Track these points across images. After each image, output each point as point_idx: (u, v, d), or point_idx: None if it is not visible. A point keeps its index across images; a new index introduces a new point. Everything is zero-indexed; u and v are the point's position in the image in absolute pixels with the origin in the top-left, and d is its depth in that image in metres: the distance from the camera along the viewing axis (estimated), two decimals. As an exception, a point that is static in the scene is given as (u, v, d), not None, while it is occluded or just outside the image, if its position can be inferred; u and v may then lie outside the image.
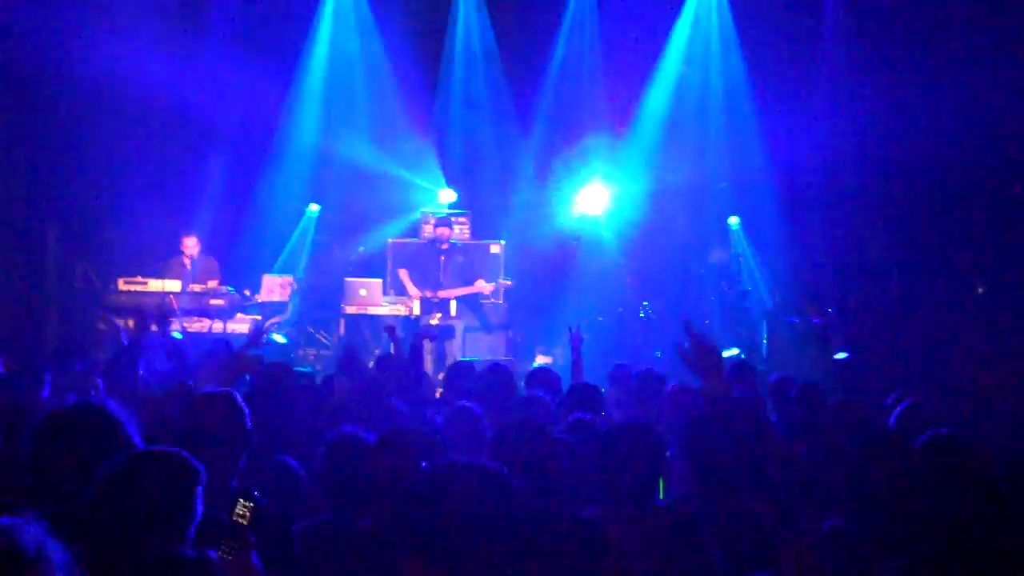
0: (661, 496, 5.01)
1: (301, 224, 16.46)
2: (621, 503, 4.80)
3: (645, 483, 4.83)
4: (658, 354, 14.24)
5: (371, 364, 12.79)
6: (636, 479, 4.80)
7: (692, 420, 5.10)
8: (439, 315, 14.18)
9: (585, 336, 9.60)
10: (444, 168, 16.95)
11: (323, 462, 5.21)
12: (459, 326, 14.31)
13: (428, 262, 14.49)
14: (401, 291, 14.81)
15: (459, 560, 3.26)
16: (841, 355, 14.10)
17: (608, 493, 4.86)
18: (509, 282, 14.97)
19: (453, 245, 14.65)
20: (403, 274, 14.59)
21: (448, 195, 15.64)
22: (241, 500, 3.93)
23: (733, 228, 16.55)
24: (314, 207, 16.57)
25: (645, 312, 15.13)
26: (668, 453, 5.22)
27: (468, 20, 17.29)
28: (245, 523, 3.91)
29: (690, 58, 17.05)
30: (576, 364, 9.22)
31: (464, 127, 17.22)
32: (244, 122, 16.05)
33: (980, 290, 14.81)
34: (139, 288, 14.11)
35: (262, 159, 16.38)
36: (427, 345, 13.84)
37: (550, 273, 16.35)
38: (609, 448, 4.91)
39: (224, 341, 10.79)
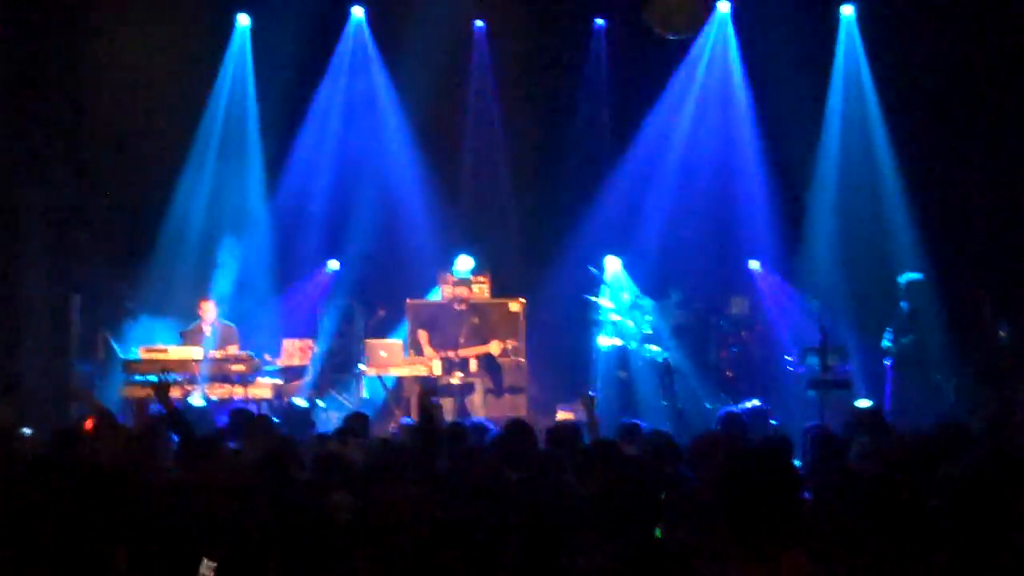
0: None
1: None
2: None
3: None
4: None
5: (392, 427, 12.89)
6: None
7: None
8: (460, 374, 14.20)
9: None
10: (464, 225, 17.04)
11: None
12: (479, 384, 14.31)
13: (446, 322, 14.52)
14: (420, 352, 14.83)
15: None
16: (865, 403, 14.02)
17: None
18: (514, 342, 14.96)
19: (470, 305, 14.67)
20: (421, 335, 14.62)
21: (466, 262, 15.65)
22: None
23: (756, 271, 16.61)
24: (334, 264, 16.66)
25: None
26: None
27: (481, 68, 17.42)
28: None
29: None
30: (591, 423, 9.18)
31: (485, 183, 17.32)
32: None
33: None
34: (160, 356, 14.18)
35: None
36: (448, 404, 13.87)
37: (572, 329, 16.35)
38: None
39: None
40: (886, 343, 14.64)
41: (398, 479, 6.32)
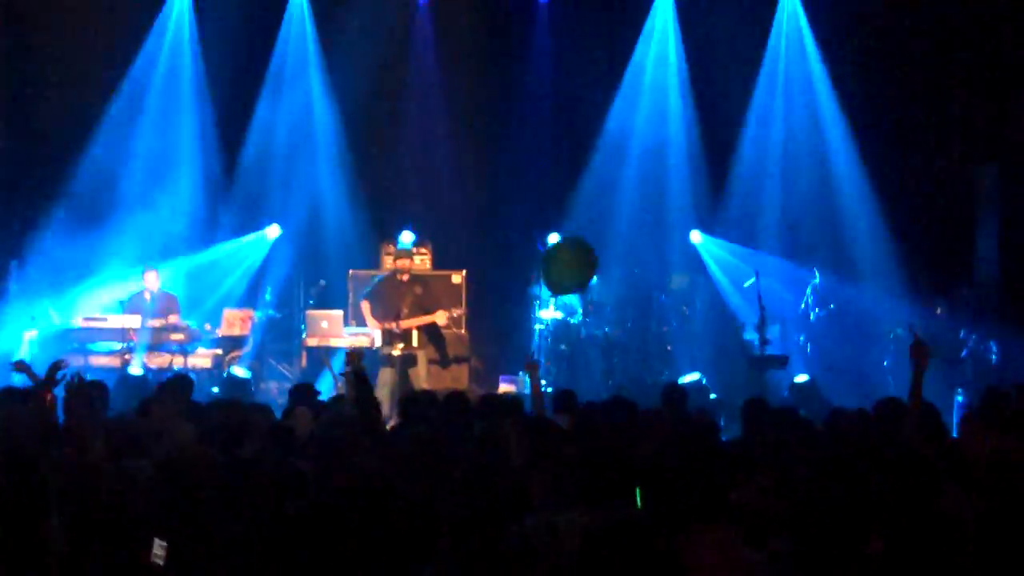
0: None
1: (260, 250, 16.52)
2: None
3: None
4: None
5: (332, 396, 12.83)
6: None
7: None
8: (401, 345, 14.15)
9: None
10: (406, 197, 17.01)
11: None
12: (422, 356, 14.29)
13: (388, 294, 14.47)
14: (363, 322, 14.78)
15: None
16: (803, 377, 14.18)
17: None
18: (461, 311, 14.96)
19: (413, 276, 14.63)
20: (364, 306, 14.56)
21: (408, 236, 15.67)
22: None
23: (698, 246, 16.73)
24: (275, 230, 16.55)
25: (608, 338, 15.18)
26: None
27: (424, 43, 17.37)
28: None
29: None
30: (535, 392, 9.12)
31: (426, 156, 17.28)
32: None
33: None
34: (99, 325, 14.09)
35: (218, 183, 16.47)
36: (389, 376, 13.84)
37: (513, 301, 16.39)
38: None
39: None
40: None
41: (348, 450, 6.31)
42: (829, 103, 16.54)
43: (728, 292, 16.33)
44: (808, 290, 15.49)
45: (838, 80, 16.43)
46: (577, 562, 4.15)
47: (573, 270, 13.72)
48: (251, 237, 16.55)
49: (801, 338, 15.38)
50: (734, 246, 16.54)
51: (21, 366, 9.52)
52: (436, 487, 5.45)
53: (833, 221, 16.29)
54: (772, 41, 16.86)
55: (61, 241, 15.28)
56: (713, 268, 16.61)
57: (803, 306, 15.46)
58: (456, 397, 8.75)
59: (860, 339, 15.26)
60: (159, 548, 4.00)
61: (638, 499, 5.04)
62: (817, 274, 15.51)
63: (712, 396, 14.09)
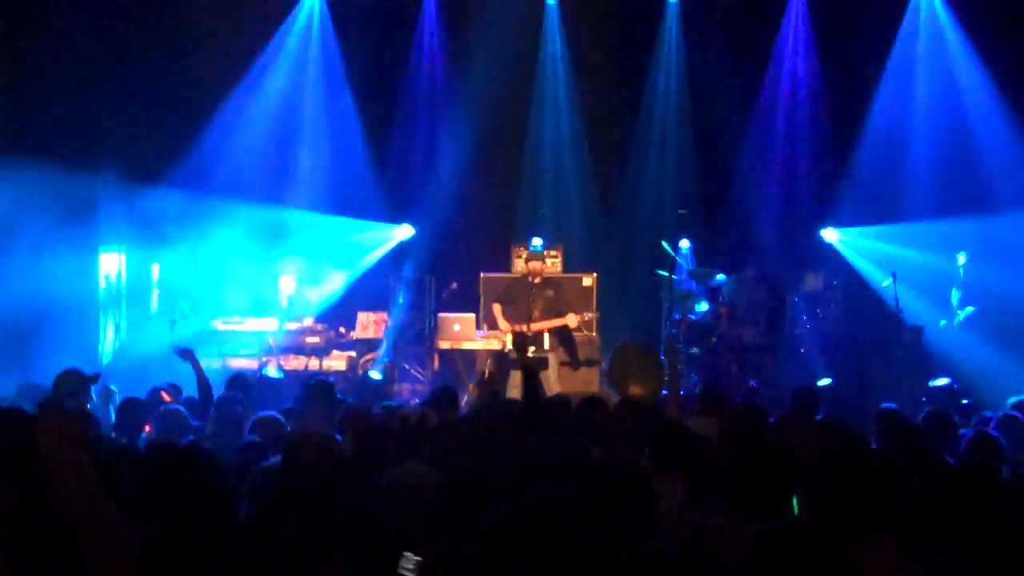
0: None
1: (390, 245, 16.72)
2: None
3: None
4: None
5: (466, 400, 12.93)
6: None
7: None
8: (532, 348, 14.16)
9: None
10: (537, 199, 17.06)
11: None
12: (553, 359, 14.29)
13: (520, 297, 14.50)
14: (494, 325, 14.84)
15: None
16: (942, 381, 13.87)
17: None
18: (592, 315, 14.91)
19: (545, 278, 14.65)
20: (496, 309, 14.61)
21: (537, 242, 15.68)
22: None
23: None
24: (406, 230, 16.74)
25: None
26: None
27: (553, 45, 17.38)
28: None
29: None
30: (672, 391, 9.01)
31: (556, 158, 17.31)
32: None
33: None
34: (236, 327, 14.36)
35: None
36: (514, 378, 13.85)
37: (644, 304, 16.32)
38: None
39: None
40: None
41: (484, 453, 6.26)
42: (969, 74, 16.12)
43: (868, 292, 16.01)
44: (954, 298, 15.07)
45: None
46: (746, 568, 4.09)
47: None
48: (385, 233, 16.75)
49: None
50: (874, 230, 16.23)
51: (187, 354, 9.67)
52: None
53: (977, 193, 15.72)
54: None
55: (195, 241, 15.56)
56: (855, 266, 16.31)
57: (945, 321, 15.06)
58: (593, 401, 8.69)
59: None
60: (409, 562, 4.05)
61: (795, 507, 4.97)
62: (963, 258, 15.01)
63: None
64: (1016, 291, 14.49)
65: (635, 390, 12.08)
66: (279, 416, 7.77)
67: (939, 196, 15.66)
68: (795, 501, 5.02)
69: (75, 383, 8.52)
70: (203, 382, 9.30)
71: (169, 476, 4.43)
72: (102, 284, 15.08)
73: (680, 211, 16.08)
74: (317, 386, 9.34)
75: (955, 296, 15.07)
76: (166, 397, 8.54)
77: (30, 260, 13.32)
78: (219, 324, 14.50)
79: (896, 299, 14.48)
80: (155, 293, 15.65)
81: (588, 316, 14.75)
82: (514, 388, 13.53)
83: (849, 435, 7.40)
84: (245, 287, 15.29)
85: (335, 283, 16.03)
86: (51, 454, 3.55)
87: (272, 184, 16.15)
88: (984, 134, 15.81)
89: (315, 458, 5.44)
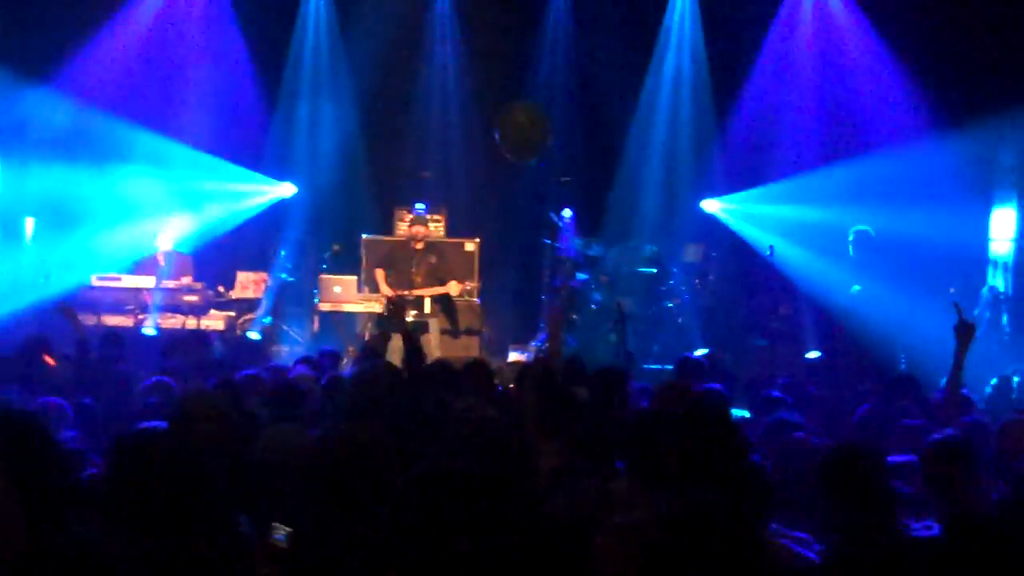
0: None
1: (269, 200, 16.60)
2: None
3: None
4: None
5: (345, 362, 12.88)
6: None
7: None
8: (413, 313, 14.15)
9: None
10: (420, 162, 17.00)
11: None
12: (434, 324, 14.30)
13: (402, 261, 14.48)
14: (375, 288, 14.79)
15: None
16: (813, 354, 14.16)
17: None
18: (473, 284, 14.94)
19: (428, 244, 14.64)
20: (378, 274, 14.56)
21: (289, 188, 15.69)
22: None
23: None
24: (289, 188, 16.61)
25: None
26: None
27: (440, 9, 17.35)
28: None
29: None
30: (553, 351, 9.05)
31: (442, 122, 17.27)
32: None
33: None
34: (113, 284, 14.13)
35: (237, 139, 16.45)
36: (398, 343, 13.80)
37: (524, 271, 16.39)
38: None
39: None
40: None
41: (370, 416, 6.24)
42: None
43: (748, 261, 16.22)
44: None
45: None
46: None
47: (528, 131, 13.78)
48: (265, 188, 16.59)
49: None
50: (753, 193, 16.41)
51: (68, 311, 9.47)
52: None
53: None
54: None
55: (72, 195, 15.28)
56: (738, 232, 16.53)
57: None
58: (477, 365, 8.73)
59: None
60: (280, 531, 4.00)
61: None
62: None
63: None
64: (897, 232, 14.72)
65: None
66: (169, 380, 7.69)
67: (812, 154, 15.95)
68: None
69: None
70: (84, 340, 9.14)
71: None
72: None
73: (563, 179, 16.13)
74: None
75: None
76: (50, 361, 8.35)
77: None
78: (95, 280, 14.22)
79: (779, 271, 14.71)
80: (29, 223, 15.28)
81: (470, 285, 14.78)
82: (394, 353, 13.54)
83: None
84: (123, 243, 15.07)
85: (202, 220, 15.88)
86: None
87: (156, 110, 15.82)
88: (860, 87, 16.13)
89: (208, 423, 5.39)
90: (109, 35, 15.83)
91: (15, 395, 7.34)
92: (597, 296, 15.26)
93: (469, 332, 14.95)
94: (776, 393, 8.35)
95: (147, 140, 15.57)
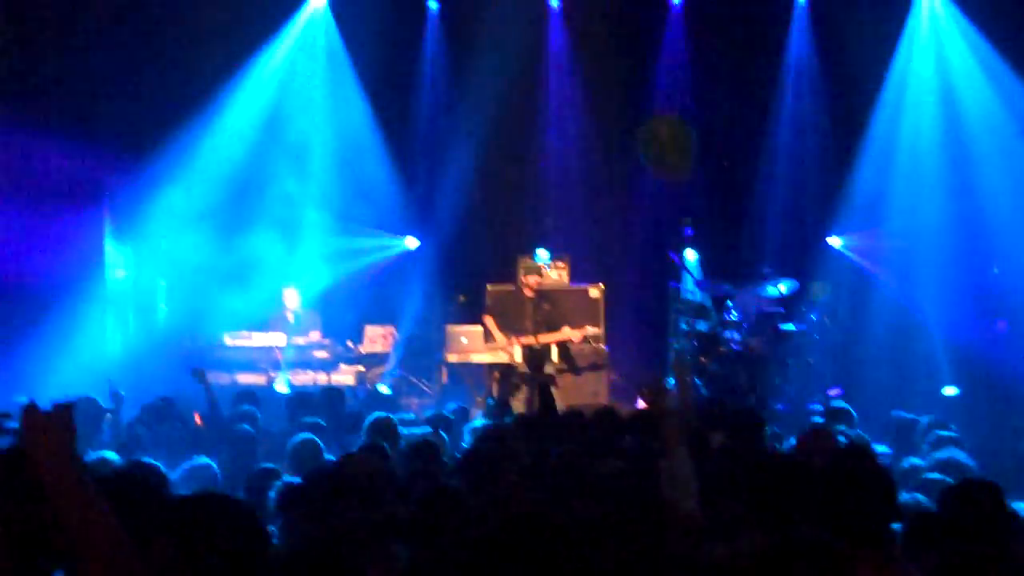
0: None
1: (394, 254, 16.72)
2: None
3: None
4: None
5: (474, 412, 12.90)
6: None
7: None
8: (530, 355, 14.09)
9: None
10: (543, 210, 17.05)
11: None
12: (558, 372, 14.26)
13: (514, 309, 14.49)
14: (490, 336, 14.79)
15: None
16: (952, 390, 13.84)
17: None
18: (598, 330, 14.81)
19: (541, 292, 14.62)
20: (489, 321, 14.58)
21: (542, 253, 15.70)
22: None
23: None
24: (412, 241, 16.74)
25: None
26: None
27: (558, 53, 17.35)
28: None
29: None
30: (684, 397, 8.78)
31: (564, 169, 17.30)
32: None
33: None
34: (245, 343, 14.36)
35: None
36: (524, 392, 13.79)
37: (651, 316, 16.28)
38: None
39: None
40: None
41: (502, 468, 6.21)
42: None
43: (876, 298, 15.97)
44: None
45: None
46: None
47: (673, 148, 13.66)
48: (390, 250, 16.74)
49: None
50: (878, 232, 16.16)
51: (200, 374, 9.63)
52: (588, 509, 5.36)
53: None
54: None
55: (205, 259, 15.64)
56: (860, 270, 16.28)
57: None
58: (606, 414, 8.65)
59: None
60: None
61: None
62: None
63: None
64: None
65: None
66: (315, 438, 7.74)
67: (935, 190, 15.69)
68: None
69: (93, 413, 8.49)
70: (213, 402, 9.30)
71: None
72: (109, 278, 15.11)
73: (683, 219, 15.98)
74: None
75: None
76: (198, 420, 8.49)
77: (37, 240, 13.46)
78: (227, 339, 14.48)
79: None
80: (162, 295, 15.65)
81: (592, 331, 14.68)
82: (521, 402, 13.53)
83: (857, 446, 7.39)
84: (251, 301, 15.31)
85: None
86: (43, 471, 3.26)
87: (281, 174, 16.20)
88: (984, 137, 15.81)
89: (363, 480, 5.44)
90: (234, 105, 16.22)
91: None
92: (727, 337, 15.05)
93: (597, 376, 14.88)
94: (944, 432, 8.15)
95: (273, 205, 15.83)
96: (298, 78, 16.75)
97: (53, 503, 3.26)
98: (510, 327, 14.41)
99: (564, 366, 14.61)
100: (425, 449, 7.32)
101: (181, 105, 15.43)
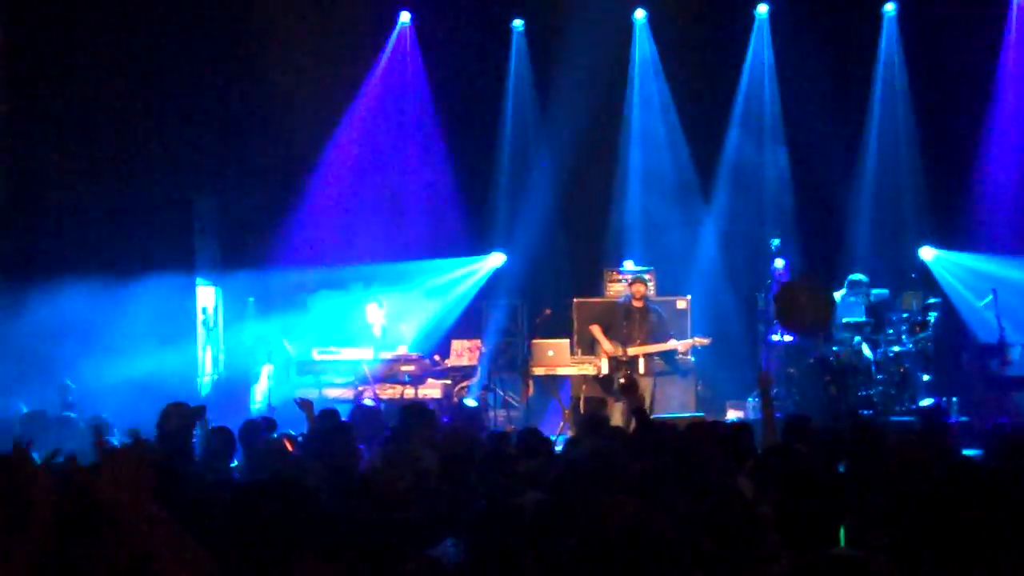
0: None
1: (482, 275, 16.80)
2: None
3: None
4: None
5: (562, 425, 12.91)
6: None
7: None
8: (628, 372, 14.08)
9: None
10: (624, 224, 17.04)
11: None
12: (648, 384, 14.18)
13: (621, 320, 14.42)
14: (588, 351, 14.79)
15: None
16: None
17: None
18: (706, 341, 14.71)
19: (648, 303, 14.57)
20: (596, 329, 14.52)
21: (629, 265, 15.71)
22: None
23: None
24: (498, 258, 16.80)
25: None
26: None
27: (644, 66, 17.33)
28: None
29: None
30: (767, 416, 8.71)
31: (646, 179, 17.27)
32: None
33: None
34: (333, 357, 14.49)
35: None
36: (617, 404, 13.74)
37: (739, 324, 16.17)
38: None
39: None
40: None
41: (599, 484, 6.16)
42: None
43: (964, 310, 15.78)
44: None
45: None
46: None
47: (810, 309, 13.69)
48: (475, 266, 16.82)
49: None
50: (972, 257, 15.97)
51: (306, 405, 9.61)
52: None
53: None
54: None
55: (292, 275, 15.91)
56: (949, 285, 16.05)
57: None
58: (699, 427, 8.59)
59: None
60: None
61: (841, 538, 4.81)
62: None
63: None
64: None
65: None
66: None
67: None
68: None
69: (182, 418, 8.56)
70: (314, 431, 9.29)
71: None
72: (199, 316, 15.29)
73: (773, 241, 15.81)
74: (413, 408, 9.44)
75: None
76: (289, 446, 8.52)
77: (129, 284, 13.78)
78: (316, 354, 14.63)
79: (998, 316, 14.25)
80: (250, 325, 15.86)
81: (700, 341, 14.59)
82: (613, 414, 13.52)
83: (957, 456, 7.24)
84: (337, 317, 15.48)
85: (426, 314, 16.15)
86: (118, 510, 3.12)
87: (365, 238, 16.47)
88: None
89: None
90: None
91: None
92: (817, 348, 14.89)
93: (684, 388, 14.84)
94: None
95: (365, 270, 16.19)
96: (388, 104, 17.01)
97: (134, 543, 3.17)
98: (615, 337, 14.36)
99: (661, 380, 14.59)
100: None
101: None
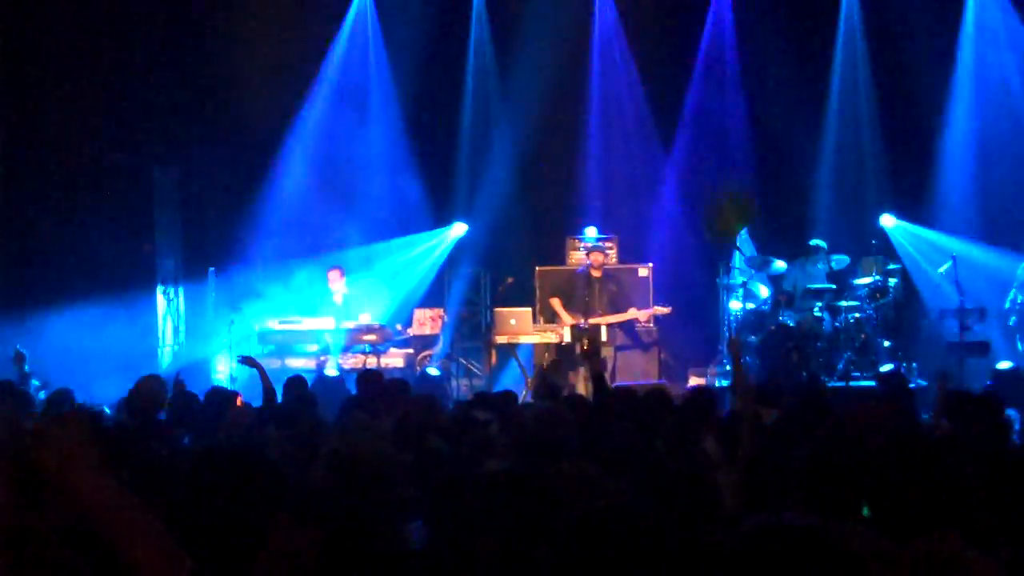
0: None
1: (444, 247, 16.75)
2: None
3: None
4: None
5: (524, 393, 12.90)
6: None
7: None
8: (591, 338, 14.06)
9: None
10: (589, 191, 16.99)
11: None
12: (610, 352, 14.20)
13: (580, 289, 14.42)
14: (551, 319, 14.79)
15: None
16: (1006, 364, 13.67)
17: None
18: (667, 309, 14.74)
19: (606, 272, 14.57)
20: (556, 303, 14.54)
21: (591, 232, 15.68)
22: None
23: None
24: (460, 228, 16.75)
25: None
26: None
27: (604, 30, 17.27)
28: None
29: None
30: (737, 379, 8.59)
31: (608, 149, 17.21)
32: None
33: None
34: (295, 327, 14.43)
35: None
36: (582, 371, 13.75)
37: (701, 293, 16.18)
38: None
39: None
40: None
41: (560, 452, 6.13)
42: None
43: (921, 279, 15.87)
44: (1017, 283, 14.85)
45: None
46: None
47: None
48: (438, 239, 16.76)
49: (1012, 320, 14.74)
50: (930, 231, 16.06)
51: (251, 361, 9.73)
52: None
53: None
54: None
55: (254, 245, 15.83)
56: (908, 254, 16.13)
57: (1012, 298, 14.81)
58: (658, 392, 8.58)
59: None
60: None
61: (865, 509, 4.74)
62: None
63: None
64: None
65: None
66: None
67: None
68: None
69: (156, 389, 8.53)
70: (268, 388, 9.31)
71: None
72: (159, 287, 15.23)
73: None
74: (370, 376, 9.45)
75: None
76: (238, 402, 8.53)
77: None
78: (276, 324, 14.55)
79: (957, 282, 14.33)
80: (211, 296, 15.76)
81: (660, 310, 14.62)
82: (575, 381, 13.53)
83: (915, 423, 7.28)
84: (298, 287, 15.41)
85: (393, 294, 16.12)
86: (59, 476, 3.10)
87: (325, 216, 16.40)
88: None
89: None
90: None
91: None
92: (778, 315, 14.93)
93: (646, 356, 14.86)
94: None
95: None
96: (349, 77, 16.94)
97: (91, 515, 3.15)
98: (575, 308, 14.36)
99: (624, 346, 14.61)
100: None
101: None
